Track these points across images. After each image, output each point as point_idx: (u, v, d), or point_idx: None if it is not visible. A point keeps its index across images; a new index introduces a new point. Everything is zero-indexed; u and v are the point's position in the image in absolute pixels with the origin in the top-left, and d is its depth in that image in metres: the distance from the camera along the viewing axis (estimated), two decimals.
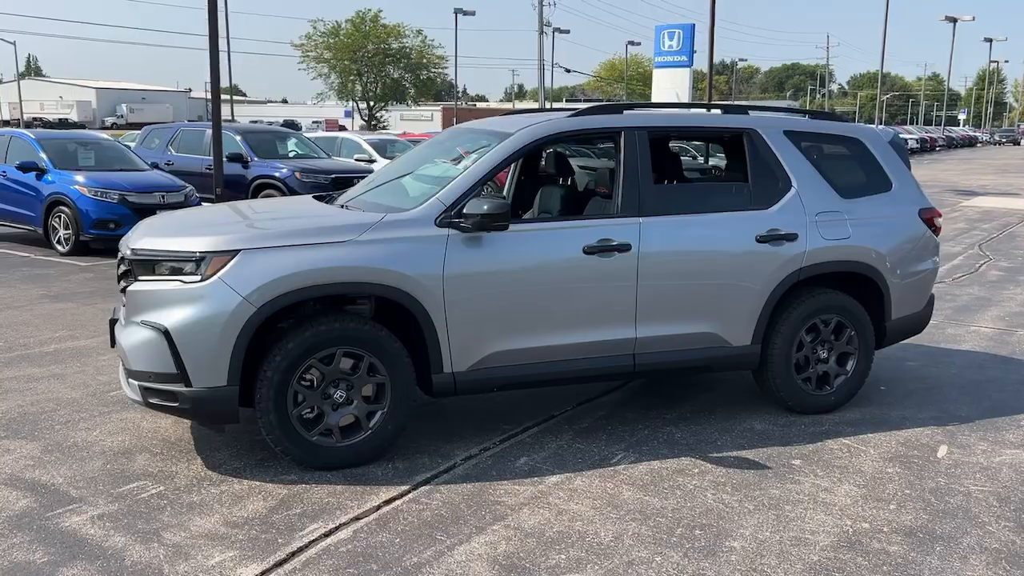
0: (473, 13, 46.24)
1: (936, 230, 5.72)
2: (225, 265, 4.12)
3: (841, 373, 5.41)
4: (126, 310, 4.38)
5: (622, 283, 4.78)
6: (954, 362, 6.70)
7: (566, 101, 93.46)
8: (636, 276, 4.79)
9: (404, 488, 4.18)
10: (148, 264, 4.30)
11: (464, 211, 4.45)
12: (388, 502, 4.03)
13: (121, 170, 12.06)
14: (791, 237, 5.11)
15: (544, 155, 6.25)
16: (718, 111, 5.70)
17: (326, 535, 3.69)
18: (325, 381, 4.30)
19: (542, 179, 6.26)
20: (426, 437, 4.85)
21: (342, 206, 5.00)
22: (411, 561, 3.48)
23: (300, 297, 4.20)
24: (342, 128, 55.35)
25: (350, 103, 67.90)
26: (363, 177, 14.62)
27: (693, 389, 5.88)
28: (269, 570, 3.39)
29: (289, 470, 4.34)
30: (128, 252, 4.42)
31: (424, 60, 65.94)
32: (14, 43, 52.67)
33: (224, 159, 13.58)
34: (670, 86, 38.73)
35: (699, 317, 5.00)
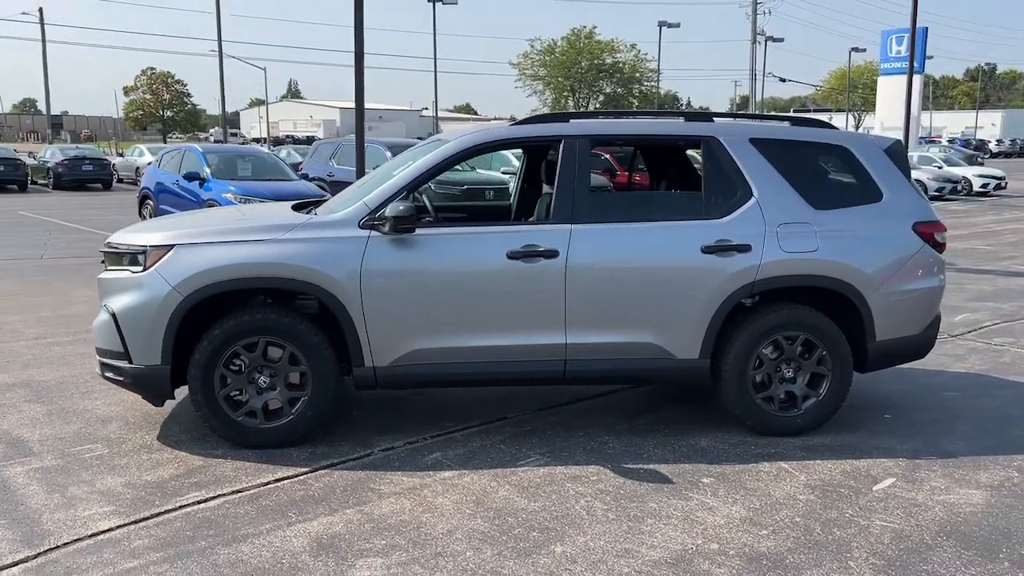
0: (678, 25, 45.77)
1: (937, 245, 5.20)
2: (161, 258, 4.66)
3: (811, 395, 5.08)
4: (99, 295, 5.05)
5: (549, 289, 4.81)
6: (1002, 395, 6.00)
7: (792, 112, 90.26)
8: (564, 282, 4.81)
9: (303, 469, 4.50)
10: (114, 256, 4.93)
11: (384, 214, 4.71)
12: (277, 480, 4.36)
13: (270, 180, 13.35)
14: (743, 248, 4.89)
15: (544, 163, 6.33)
16: (681, 119, 5.52)
17: (199, 502, 4.08)
18: (250, 367, 4.72)
19: (542, 185, 6.34)
20: (364, 427, 5.14)
21: (309, 211, 5.40)
22: (244, 532, 3.78)
23: (222, 289, 4.64)
24: None
25: None
26: (496, 187, 14.86)
27: (671, 403, 5.73)
28: (124, 525, 3.84)
29: (219, 445, 4.79)
30: (103, 246, 5.09)
31: (636, 74, 66.15)
32: (264, 69, 58.75)
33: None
34: (896, 94, 36.23)
35: (637, 327, 4.92)
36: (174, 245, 4.69)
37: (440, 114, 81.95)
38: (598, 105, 66.96)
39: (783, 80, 60.96)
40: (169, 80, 71.44)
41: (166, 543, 3.67)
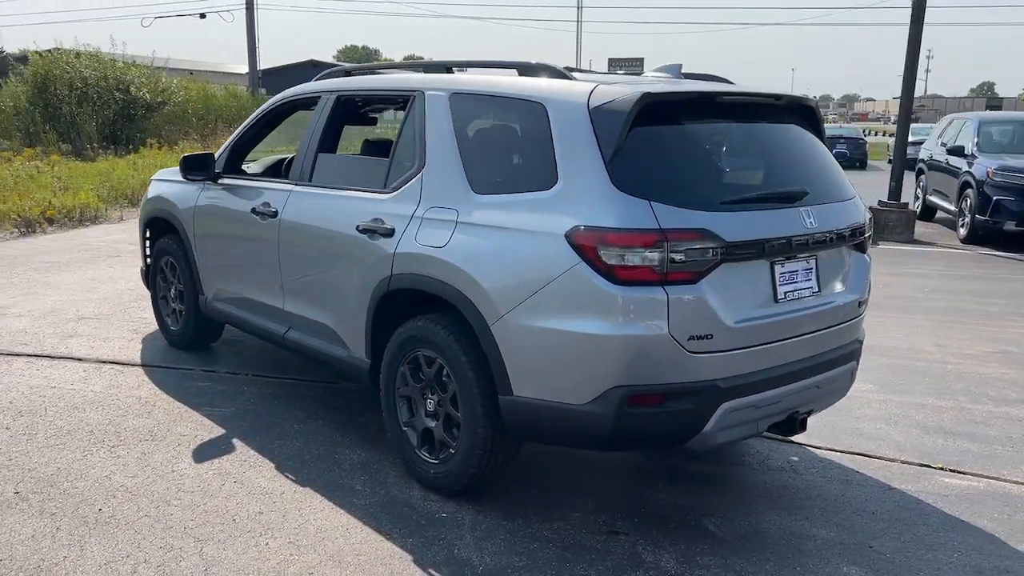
0: None
1: (609, 269, 3.09)
2: (149, 186, 6.19)
3: (448, 443, 3.75)
4: None
5: (269, 249, 4.72)
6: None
7: None
8: (277, 245, 4.65)
9: (120, 360, 5.62)
10: None
11: None
12: (103, 362, 5.58)
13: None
14: (388, 233, 3.90)
15: None
16: (421, 71, 4.25)
17: (31, 354, 5.69)
18: (167, 275, 5.90)
19: None
20: (241, 355, 5.83)
21: None
22: None
23: (149, 216, 5.94)
24: None
25: None
26: None
27: None
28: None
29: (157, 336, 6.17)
30: None
31: None
32: None
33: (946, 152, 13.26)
34: None
35: (320, 306, 4.42)
36: (153, 179, 6.18)
37: None
38: None
39: None
40: None
41: None
